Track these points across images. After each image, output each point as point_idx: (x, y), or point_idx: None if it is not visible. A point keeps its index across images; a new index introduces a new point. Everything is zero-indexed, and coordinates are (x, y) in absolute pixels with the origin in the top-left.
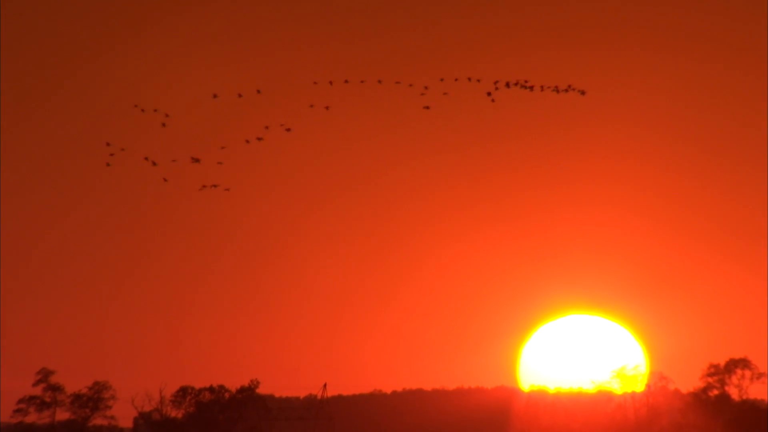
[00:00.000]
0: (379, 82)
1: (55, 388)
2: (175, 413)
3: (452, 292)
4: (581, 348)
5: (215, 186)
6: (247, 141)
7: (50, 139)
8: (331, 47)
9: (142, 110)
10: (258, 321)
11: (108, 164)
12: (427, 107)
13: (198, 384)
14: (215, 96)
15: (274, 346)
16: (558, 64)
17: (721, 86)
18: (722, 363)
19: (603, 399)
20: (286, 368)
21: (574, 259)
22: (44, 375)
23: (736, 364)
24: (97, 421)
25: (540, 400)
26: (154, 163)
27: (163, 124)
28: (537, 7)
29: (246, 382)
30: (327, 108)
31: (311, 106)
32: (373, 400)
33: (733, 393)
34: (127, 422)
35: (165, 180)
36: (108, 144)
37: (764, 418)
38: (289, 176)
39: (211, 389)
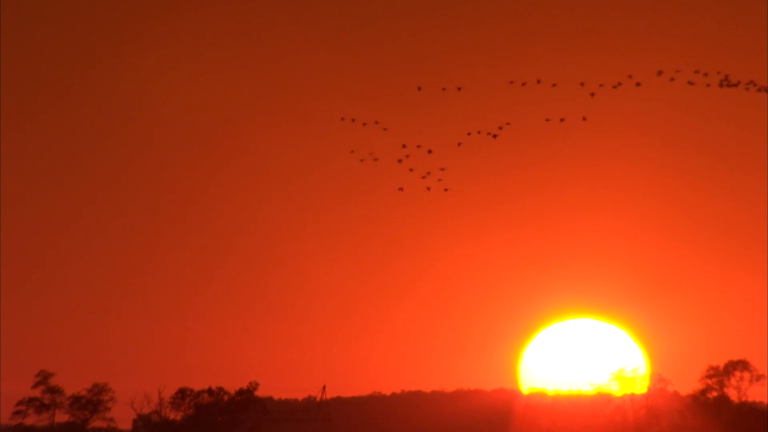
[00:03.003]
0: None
1: (55, 390)
2: (174, 415)
3: (453, 295)
4: (581, 351)
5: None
6: (478, 132)
7: (52, 141)
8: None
9: (352, 120)
10: (257, 323)
11: (361, 160)
12: (585, 118)
13: (197, 386)
14: (419, 88)
15: (274, 348)
16: (559, 64)
17: (721, 91)
18: (721, 365)
19: (602, 401)
20: (285, 370)
21: (575, 263)
22: (43, 377)
23: (735, 366)
24: (96, 423)
25: (539, 403)
26: (399, 160)
27: (385, 129)
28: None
29: (245, 384)
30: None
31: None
32: (372, 402)
33: (732, 395)
34: (126, 424)
35: (400, 189)
36: (352, 151)
37: (763, 420)
38: (286, 177)
39: (210, 391)
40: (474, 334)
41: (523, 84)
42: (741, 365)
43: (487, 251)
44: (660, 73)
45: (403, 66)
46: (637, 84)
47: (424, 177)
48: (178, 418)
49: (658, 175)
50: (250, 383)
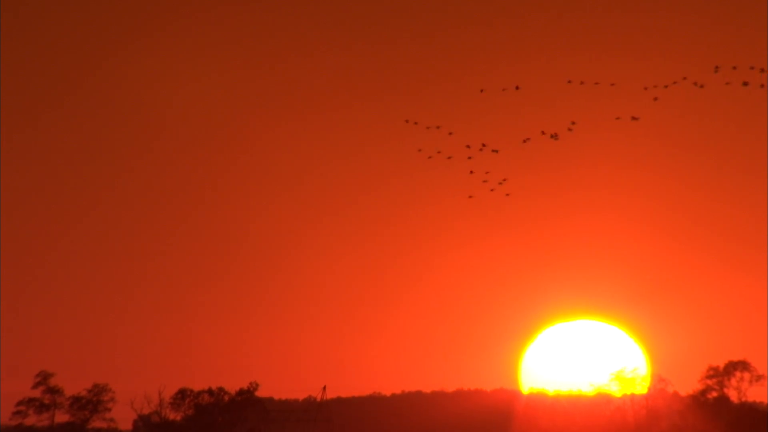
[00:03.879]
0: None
1: (55, 391)
2: (174, 416)
3: (453, 296)
4: (582, 351)
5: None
6: (542, 133)
7: (52, 141)
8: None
9: (415, 123)
10: (257, 323)
11: (429, 157)
12: (636, 118)
13: (197, 386)
14: (482, 91)
15: (274, 348)
16: (552, 67)
17: (720, 92)
18: (721, 365)
19: (602, 401)
20: (285, 370)
21: (576, 264)
22: (43, 377)
23: (735, 367)
24: (97, 423)
25: (539, 403)
26: (469, 156)
27: (450, 133)
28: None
29: (245, 385)
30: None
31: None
32: (373, 403)
33: (732, 395)
34: (126, 425)
35: (470, 197)
36: (419, 150)
37: (763, 420)
38: (287, 179)
39: (210, 391)
40: (474, 335)
41: (581, 83)
42: (741, 365)
43: (488, 252)
44: (717, 69)
45: (460, 66)
46: (700, 86)
47: (471, 169)
48: (179, 418)
49: (658, 176)
50: (251, 383)
